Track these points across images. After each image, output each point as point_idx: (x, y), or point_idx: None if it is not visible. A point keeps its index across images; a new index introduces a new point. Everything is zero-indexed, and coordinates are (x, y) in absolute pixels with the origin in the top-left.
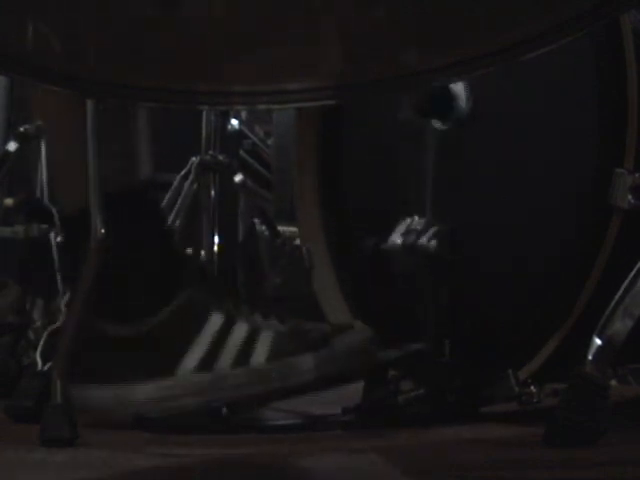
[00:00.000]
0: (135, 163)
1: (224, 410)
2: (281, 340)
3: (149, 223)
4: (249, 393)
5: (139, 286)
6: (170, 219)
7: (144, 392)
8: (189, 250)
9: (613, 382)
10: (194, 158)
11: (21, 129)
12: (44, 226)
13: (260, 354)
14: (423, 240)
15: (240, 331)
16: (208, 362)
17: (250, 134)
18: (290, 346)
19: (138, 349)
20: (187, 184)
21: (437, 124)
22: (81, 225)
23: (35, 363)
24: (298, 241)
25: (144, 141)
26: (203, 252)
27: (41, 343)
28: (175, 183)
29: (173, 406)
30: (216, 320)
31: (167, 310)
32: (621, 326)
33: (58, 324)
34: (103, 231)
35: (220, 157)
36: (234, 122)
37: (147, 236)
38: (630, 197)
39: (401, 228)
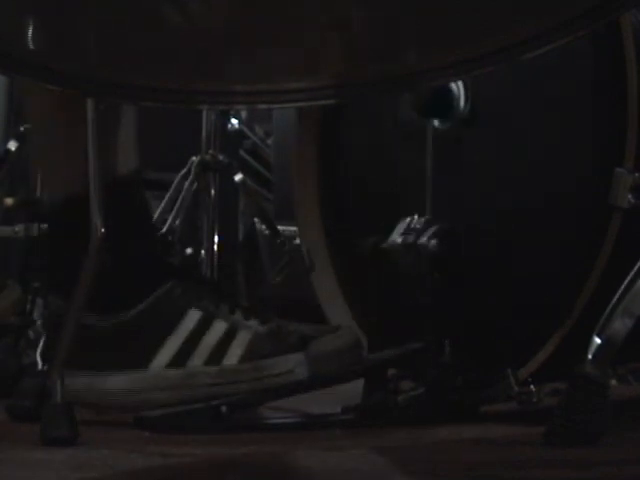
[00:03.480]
0: (119, 157)
1: (224, 409)
2: (258, 342)
3: (132, 217)
4: (219, 393)
5: (119, 278)
6: (170, 219)
7: (115, 383)
8: (174, 246)
9: (613, 382)
10: (194, 158)
11: (21, 129)
12: (44, 226)
13: (234, 354)
14: (423, 240)
15: (218, 330)
16: (181, 358)
17: (250, 134)
18: (266, 349)
19: (113, 340)
20: (187, 184)
21: (437, 124)
22: (68, 217)
23: (35, 363)
24: (298, 241)
25: (129, 136)
26: (203, 252)
27: (41, 343)
28: (175, 183)
29: (142, 399)
30: (194, 317)
31: (145, 303)
32: (621, 325)
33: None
34: (103, 230)
35: (220, 157)
36: (234, 122)
37: (130, 229)
38: (630, 197)
39: (401, 228)
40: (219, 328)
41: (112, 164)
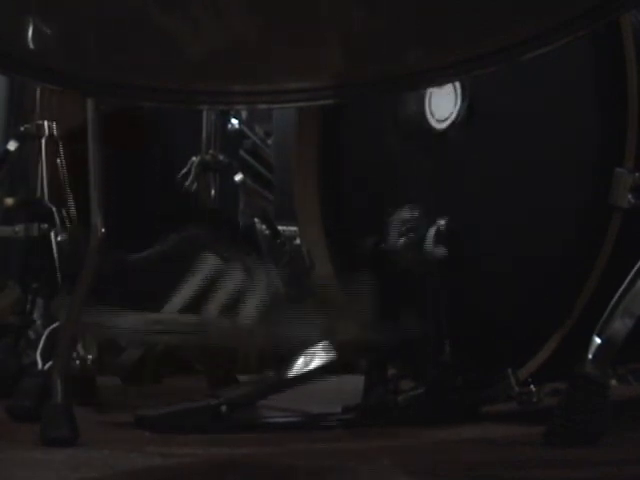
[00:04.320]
0: None
1: (224, 409)
2: (272, 292)
3: (155, 155)
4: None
5: (139, 220)
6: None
7: (127, 320)
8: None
9: (613, 382)
10: (194, 158)
11: (21, 129)
12: (44, 226)
13: (250, 307)
14: (423, 240)
15: (234, 278)
16: (196, 303)
17: (250, 134)
18: (280, 300)
19: (132, 276)
20: (187, 184)
21: (437, 124)
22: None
23: (35, 363)
24: (298, 241)
25: None
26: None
27: (41, 343)
28: (175, 183)
29: (151, 339)
30: (212, 262)
31: (167, 244)
32: (621, 326)
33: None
34: (103, 230)
35: (220, 157)
36: (234, 122)
37: (153, 167)
38: (630, 197)
39: (401, 227)
40: (236, 276)
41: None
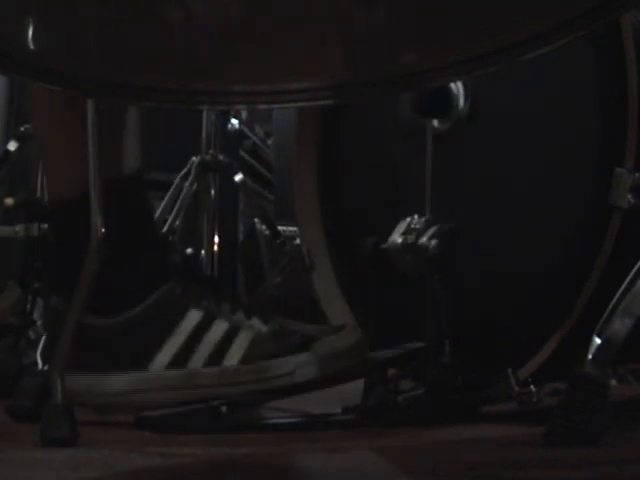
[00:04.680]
0: (123, 157)
1: (224, 409)
2: (259, 342)
3: (133, 216)
4: (220, 394)
5: (119, 277)
6: (170, 219)
7: (115, 383)
8: (174, 246)
9: (613, 382)
10: (194, 158)
11: (21, 129)
12: (44, 226)
13: (235, 355)
14: (423, 240)
15: (219, 329)
16: (182, 358)
17: (250, 134)
18: (267, 349)
19: (113, 341)
20: (187, 184)
21: (437, 124)
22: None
23: (35, 363)
24: (298, 241)
25: (132, 136)
26: (203, 252)
27: (41, 343)
28: (175, 183)
29: (142, 399)
30: (195, 316)
31: (146, 303)
32: (621, 326)
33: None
34: (103, 231)
35: (220, 157)
36: (234, 122)
37: (131, 229)
38: (630, 197)
39: (401, 228)
40: (220, 328)
41: (115, 164)
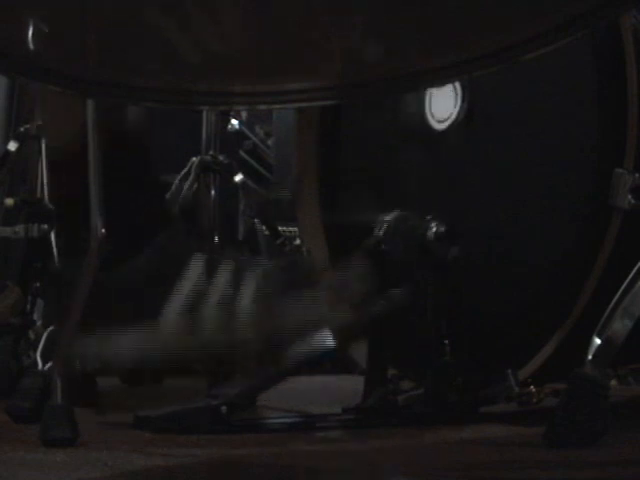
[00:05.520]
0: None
1: (224, 410)
2: (267, 279)
3: (134, 164)
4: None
5: (124, 226)
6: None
7: (131, 341)
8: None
9: (613, 382)
10: (194, 158)
11: (21, 129)
12: (44, 226)
13: (246, 295)
14: (423, 239)
15: (226, 271)
16: (193, 303)
17: (250, 134)
18: (276, 285)
19: (123, 293)
20: (187, 184)
21: (437, 124)
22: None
23: (35, 363)
24: (298, 241)
25: None
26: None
27: (41, 343)
28: (175, 183)
29: (158, 354)
30: (199, 261)
31: (149, 250)
32: (621, 326)
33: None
34: (103, 231)
35: (220, 157)
36: (234, 122)
37: (131, 178)
38: (630, 197)
39: (400, 228)
40: (227, 269)
41: (122, 114)
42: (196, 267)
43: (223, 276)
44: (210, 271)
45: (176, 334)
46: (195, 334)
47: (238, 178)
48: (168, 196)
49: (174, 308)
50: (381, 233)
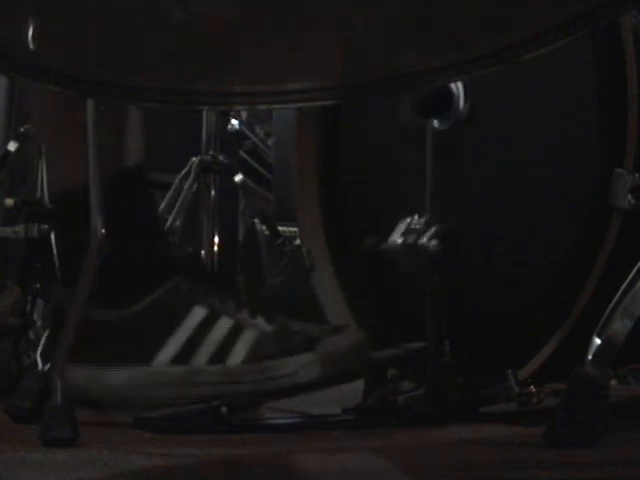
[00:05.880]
0: (126, 154)
1: (224, 410)
2: (263, 341)
3: (137, 212)
4: (221, 392)
5: (125, 272)
6: (170, 219)
7: (116, 377)
8: (180, 242)
9: (613, 382)
10: (194, 158)
11: (21, 129)
12: (44, 226)
13: (238, 353)
14: (423, 240)
15: (223, 327)
16: (185, 355)
17: (250, 134)
18: (271, 349)
19: (117, 334)
20: (187, 184)
21: (437, 124)
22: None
23: (35, 363)
24: (298, 241)
25: (135, 132)
26: (203, 252)
27: (41, 343)
28: (175, 183)
29: (143, 395)
30: (199, 313)
31: (151, 298)
32: (621, 326)
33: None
34: (103, 231)
35: (220, 157)
36: (234, 122)
37: (135, 224)
38: (630, 197)
39: (401, 228)
40: (224, 325)
41: (118, 160)
42: (195, 318)
43: (221, 331)
44: (208, 325)
45: (163, 382)
46: (182, 385)
47: (238, 178)
48: (160, 210)
49: (166, 356)
50: (381, 233)
